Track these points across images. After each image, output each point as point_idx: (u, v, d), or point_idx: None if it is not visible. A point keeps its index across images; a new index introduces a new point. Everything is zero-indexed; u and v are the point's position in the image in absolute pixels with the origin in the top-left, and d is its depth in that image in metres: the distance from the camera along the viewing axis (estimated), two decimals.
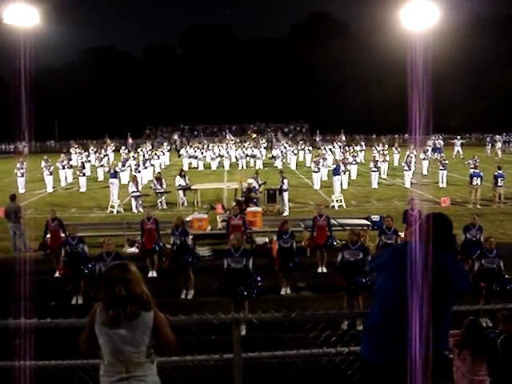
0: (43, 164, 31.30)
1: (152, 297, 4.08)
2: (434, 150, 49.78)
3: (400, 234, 13.42)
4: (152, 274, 13.98)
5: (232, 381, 5.22)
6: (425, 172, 34.29)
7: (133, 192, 23.59)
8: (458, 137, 55.03)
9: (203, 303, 10.86)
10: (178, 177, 24.85)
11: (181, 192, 24.47)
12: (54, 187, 30.90)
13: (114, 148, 52.21)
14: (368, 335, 4.09)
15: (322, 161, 31.21)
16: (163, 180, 24.67)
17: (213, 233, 17.10)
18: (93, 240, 17.65)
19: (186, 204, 24.27)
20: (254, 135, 71.56)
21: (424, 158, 35.09)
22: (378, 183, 30.15)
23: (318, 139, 65.93)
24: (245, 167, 42.77)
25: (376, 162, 31.02)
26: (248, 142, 54.44)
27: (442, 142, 52.61)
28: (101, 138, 69.53)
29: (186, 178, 25.10)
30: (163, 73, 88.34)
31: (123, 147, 48.84)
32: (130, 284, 3.98)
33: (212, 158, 44.16)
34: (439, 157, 42.78)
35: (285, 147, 48.82)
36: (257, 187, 21.92)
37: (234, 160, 45.29)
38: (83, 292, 12.01)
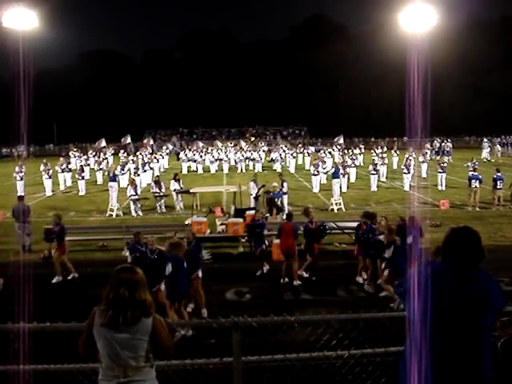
0: (42, 167, 31.26)
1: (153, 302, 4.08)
2: (442, 152, 49.99)
3: None
4: None
5: None
6: (424, 175, 34.30)
7: (131, 195, 23.57)
8: (485, 140, 54.95)
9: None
10: (173, 181, 24.87)
11: (174, 196, 24.48)
12: (53, 191, 30.86)
13: (112, 151, 52.22)
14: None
15: (321, 164, 31.23)
16: (162, 183, 24.65)
17: (212, 236, 17.10)
18: (92, 243, 17.70)
19: (182, 208, 24.23)
20: (253, 138, 71.60)
21: (423, 161, 35.10)
22: (377, 186, 30.15)
23: (318, 143, 65.11)
24: (244, 170, 42.79)
25: (375, 164, 31.05)
26: (247, 146, 54.46)
27: (450, 145, 52.69)
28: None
29: (181, 181, 25.12)
30: (162, 76, 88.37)
31: (122, 150, 48.78)
32: (135, 288, 3.97)
33: (211, 162, 44.20)
34: (447, 159, 42.99)
35: (284, 150, 48.85)
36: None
37: (233, 163, 45.30)
38: None
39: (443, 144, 53.44)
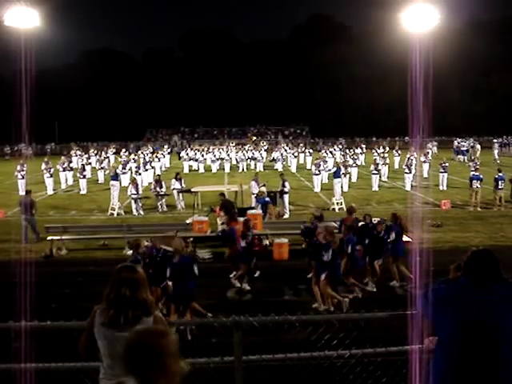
0: (43, 166, 31.27)
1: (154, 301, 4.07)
2: (460, 152, 50.09)
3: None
4: None
5: None
6: (425, 175, 34.27)
7: (132, 194, 23.57)
8: (494, 140, 54.86)
9: (204, 306, 10.82)
10: (174, 180, 24.86)
11: (176, 195, 24.47)
12: (54, 189, 30.88)
13: (114, 150, 52.23)
14: None
15: (322, 163, 31.21)
16: (163, 182, 24.63)
17: (213, 235, 17.07)
18: (93, 242, 17.71)
19: (183, 207, 24.23)
20: (254, 138, 71.61)
21: (424, 161, 35.07)
22: (379, 186, 30.14)
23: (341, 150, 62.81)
24: (245, 170, 42.80)
25: (376, 164, 31.01)
26: (248, 145, 54.53)
27: (465, 144, 52.73)
28: (101, 141, 69.63)
29: (182, 181, 25.11)
30: (163, 75, 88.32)
31: (123, 149, 48.82)
32: (136, 287, 3.95)
33: (212, 161, 44.21)
34: (461, 159, 42.80)
35: (285, 150, 48.83)
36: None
37: (234, 162, 45.32)
38: None
39: (460, 144, 53.53)
